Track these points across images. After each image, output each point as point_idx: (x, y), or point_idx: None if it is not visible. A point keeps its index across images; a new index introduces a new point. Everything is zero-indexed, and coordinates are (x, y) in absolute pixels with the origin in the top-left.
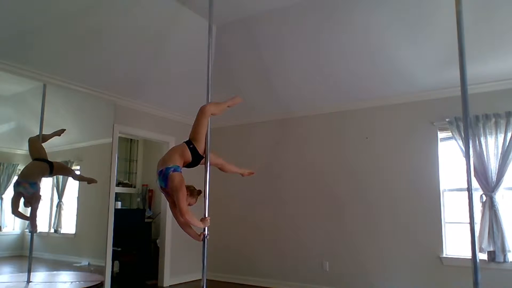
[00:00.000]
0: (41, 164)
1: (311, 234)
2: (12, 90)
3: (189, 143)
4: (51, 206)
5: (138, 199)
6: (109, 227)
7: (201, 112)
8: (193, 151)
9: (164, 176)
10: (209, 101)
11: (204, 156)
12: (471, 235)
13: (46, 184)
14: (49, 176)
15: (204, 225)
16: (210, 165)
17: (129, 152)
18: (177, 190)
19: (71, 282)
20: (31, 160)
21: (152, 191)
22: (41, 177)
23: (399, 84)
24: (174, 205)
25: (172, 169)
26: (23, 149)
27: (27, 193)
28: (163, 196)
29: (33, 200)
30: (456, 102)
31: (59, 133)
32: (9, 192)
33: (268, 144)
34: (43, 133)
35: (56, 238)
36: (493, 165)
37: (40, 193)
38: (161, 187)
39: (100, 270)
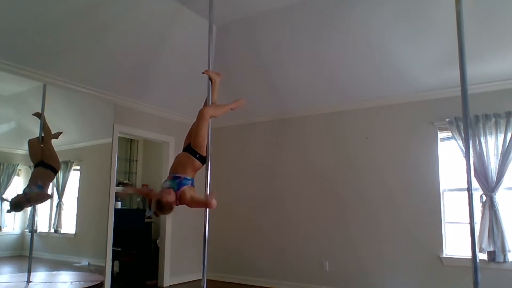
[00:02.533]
0: (46, 171)
1: (311, 234)
2: (12, 90)
3: (193, 152)
4: (51, 206)
5: (138, 199)
6: (109, 227)
7: (201, 116)
8: (201, 159)
9: (179, 184)
10: (209, 101)
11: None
12: (471, 235)
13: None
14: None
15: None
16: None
17: (129, 152)
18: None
19: (71, 282)
20: (31, 161)
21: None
22: (49, 183)
23: (399, 84)
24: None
25: (190, 182)
26: (23, 149)
27: (31, 191)
28: None
29: (35, 198)
30: (456, 102)
31: (56, 135)
32: (9, 192)
33: (268, 144)
34: (42, 134)
35: (56, 238)
36: (493, 165)
37: (49, 193)
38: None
39: (100, 270)
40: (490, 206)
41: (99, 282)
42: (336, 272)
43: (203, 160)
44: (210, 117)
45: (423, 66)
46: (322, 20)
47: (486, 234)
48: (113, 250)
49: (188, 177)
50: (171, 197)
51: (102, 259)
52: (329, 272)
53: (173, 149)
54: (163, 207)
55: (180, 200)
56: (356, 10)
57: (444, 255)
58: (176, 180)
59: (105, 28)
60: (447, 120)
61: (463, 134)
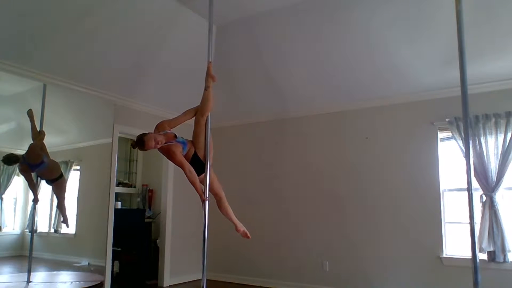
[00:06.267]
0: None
1: (311, 234)
2: (12, 90)
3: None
4: (51, 206)
5: (138, 199)
6: (109, 227)
7: (195, 122)
8: (194, 157)
9: (184, 143)
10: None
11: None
12: (471, 235)
13: (46, 184)
14: (51, 183)
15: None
16: (208, 190)
17: (129, 152)
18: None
19: (71, 282)
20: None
21: (152, 191)
22: (47, 177)
23: (399, 84)
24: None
25: (182, 143)
26: (23, 149)
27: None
28: (163, 196)
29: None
30: (456, 102)
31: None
32: (9, 192)
33: (268, 144)
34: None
35: (56, 238)
36: (493, 165)
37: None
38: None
39: (100, 270)
40: (490, 206)
41: (99, 282)
42: (336, 272)
43: (199, 162)
44: (202, 116)
45: (423, 66)
46: (322, 20)
47: (486, 234)
48: (113, 250)
49: (185, 143)
50: (152, 142)
51: (102, 259)
52: (329, 272)
53: None
54: (139, 142)
55: (165, 151)
56: (356, 10)
57: (444, 255)
58: (186, 142)
59: (105, 28)
60: (447, 120)
61: (463, 134)
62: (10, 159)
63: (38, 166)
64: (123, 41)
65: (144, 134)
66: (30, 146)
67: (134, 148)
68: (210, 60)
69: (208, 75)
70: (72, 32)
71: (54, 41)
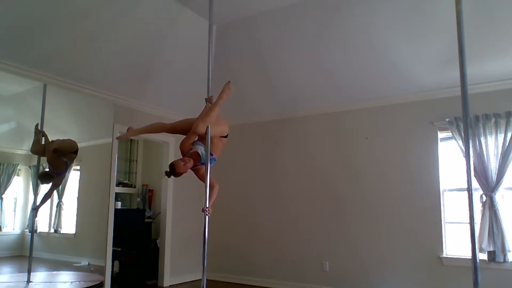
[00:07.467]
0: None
1: (311, 234)
2: (12, 90)
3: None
4: (51, 206)
5: (138, 199)
6: (109, 227)
7: (200, 134)
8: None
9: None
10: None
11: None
12: (471, 235)
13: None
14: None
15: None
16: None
17: (129, 152)
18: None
19: (71, 282)
20: (34, 161)
21: (152, 191)
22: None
23: (399, 84)
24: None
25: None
26: (23, 149)
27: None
28: (162, 196)
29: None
30: (456, 102)
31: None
32: (9, 192)
33: (268, 144)
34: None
35: (56, 238)
36: (493, 165)
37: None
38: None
39: (100, 270)
40: (490, 206)
41: (99, 282)
42: (336, 272)
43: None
44: (204, 124)
45: (423, 66)
46: (323, 19)
47: (486, 234)
48: (113, 250)
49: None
50: (180, 164)
51: (102, 259)
52: (329, 272)
53: (173, 149)
54: (173, 172)
55: (198, 172)
56: (356, 10)
57: (444, 255)
58: (211, 157)
59: (105, 28)
60: (447, 120)
61: (463, 134)
62: (46, 177)
63: (65, 172)
64: (123, 41)
65: (173, 161)
66: (52, 157)
67: (169, 176)
68: (229, 80)
69: (225, 92)
70: (72, 32)
71: (54, 41)
